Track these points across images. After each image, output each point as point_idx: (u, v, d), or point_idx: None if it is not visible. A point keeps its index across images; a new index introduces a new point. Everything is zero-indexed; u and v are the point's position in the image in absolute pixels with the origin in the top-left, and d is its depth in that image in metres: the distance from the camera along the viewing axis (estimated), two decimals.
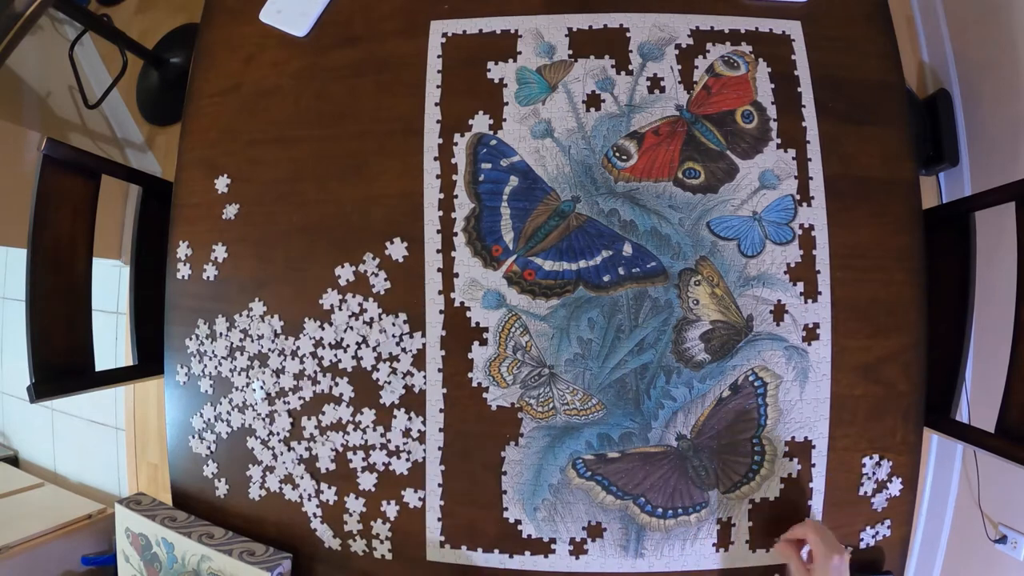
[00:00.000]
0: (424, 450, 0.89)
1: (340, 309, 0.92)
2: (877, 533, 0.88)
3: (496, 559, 0.88)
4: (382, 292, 0.91)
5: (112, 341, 2.11)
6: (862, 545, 0.88)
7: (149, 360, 1.13)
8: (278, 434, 0.93)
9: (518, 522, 0.88)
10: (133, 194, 1.18)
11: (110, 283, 2.12)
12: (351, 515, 0.91)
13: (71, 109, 2.05)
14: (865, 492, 0.88)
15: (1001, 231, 1.05)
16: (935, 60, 1.67)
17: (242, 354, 0.95)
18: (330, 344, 0.92)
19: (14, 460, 2.33)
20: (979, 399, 1.39)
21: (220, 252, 0.97)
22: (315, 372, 0.92)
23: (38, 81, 1.96)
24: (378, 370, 0.90)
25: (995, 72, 1.46)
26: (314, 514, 0.93)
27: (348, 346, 0.91)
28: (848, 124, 0.91)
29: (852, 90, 0.92)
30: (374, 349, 0.90)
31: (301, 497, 0.93)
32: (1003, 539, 1.36)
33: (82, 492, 2.14)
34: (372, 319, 0.91)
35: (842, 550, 0.76)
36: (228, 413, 0.96)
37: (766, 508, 0.87)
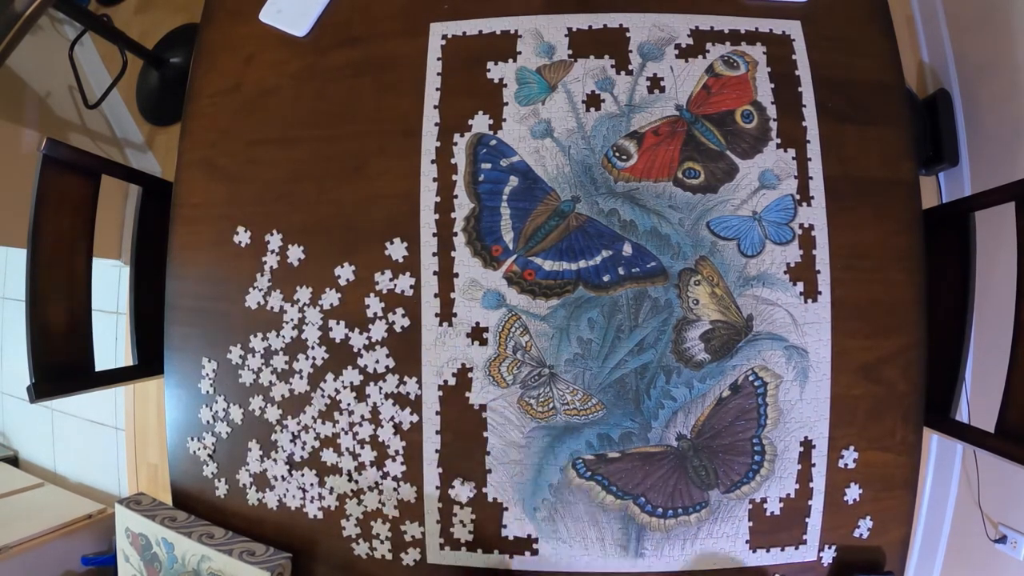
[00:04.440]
0: (422, 451, 0.89)
1: (340, 309, 0.92)
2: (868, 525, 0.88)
3: (496, 559, 0.88)
4: (384, 292, 0.91)
5: (112, 341, 2.11)
6: (855, 533, 0.88)
7: (149, 360, 1.13)
8: (278, 434, 0.93)
9: (518, 522, 0.88)
10: (133, 194, 1.18)
11: (110, 283, 2.12)
12: (351, 515, 0.91)
13: (71, 109, 2.05)
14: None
15: (1001, 231, 1.05)
16: (935, 60, 1.67)
17: (244, 355, 0.95)
18: (330, 344, 0.92)
19: (14, 460, 2.33)
20: (979, 399, 1.39)
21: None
22: (315, 372, 0.92)
23: (38, 81, 1.96)
24: (377, 371, 0.90)
25: (995, 72, 1.47)
26: (314, 515, 0.93)
27: (349, 346, 0.91)
28: (848, 124, 0.91)
29: (852, 90, 0.92)
30: (374, 350, 0.90)
31: (302, 497, 0.93)
32: (1003, 539, 1.36)
33: (82, 492, 2.14)
34: (372, 318, 0.91)
35: None
36: (228, 413, 0.95)
37: (766, 508, 0.87)
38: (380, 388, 0.90)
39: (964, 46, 1.58)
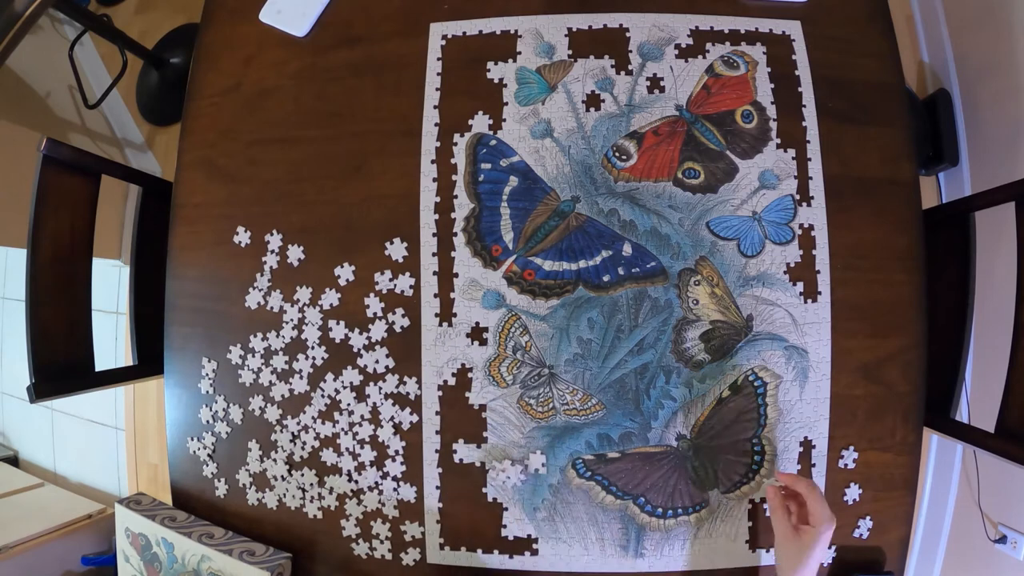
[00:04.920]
0: (422, 451, 0.89)
1: (340, 309, 0.92)
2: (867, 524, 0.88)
3: (496, 559, 0.88)
4: (383, 292, 0.91)
5: (112, 341, 2.11)
6: (855, 533, 0.88)
7: (149, 360, 1.12)
8: (278, 434, 0.93)
9: (518, 522, 0.88)
10: (133, 194, 1.18)
11: (110, 283, 2.11)
12: (351, 515, 0.91)
13: (71, 109, 2.04)
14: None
15: (1001, 231, 1.05)
16: (935, 60, 1.67)
17: (244, 355, 0.95)
18: (330, 344, 0.92)
19: (14, 460, 2.32)
20: (979, 399, 1.39)
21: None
22: (315, 372, 0.92)
23: (38, 81, 1.96)
24: (377, 371, 0.90)
25: (995, 72, 1.46)
26: (314, 515, 0.93)
27: (349, 346, 0.91)
28: (848, 124, 0.91)
29: (852, 90, 0.92)
30: (374, 350, 0.91)
31: (301, 497, 0.93)
32: (1003, 539, 1.35)
33: (82, 492, 2.13)
34: (372, 318, 0.91)
35: (833, 521, 0.75)
36: (228, 413, 0.95)
37: (766, 508, 0.86)
38: (380, 388, 0.90)
39: (964, 46, 1.57)
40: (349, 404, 0.91)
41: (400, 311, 0.90)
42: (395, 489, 0.90)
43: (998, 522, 1.39)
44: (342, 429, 0.91)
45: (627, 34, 0.92)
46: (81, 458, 2.23)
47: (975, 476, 1.45)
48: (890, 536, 0.89)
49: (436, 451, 0.89)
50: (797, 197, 0.89)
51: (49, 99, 1.99)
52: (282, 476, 0.93)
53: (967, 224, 0.98)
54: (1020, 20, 1.36)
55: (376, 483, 0.90)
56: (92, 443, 2.19)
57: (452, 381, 0.89)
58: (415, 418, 0.89)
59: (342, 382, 0.91)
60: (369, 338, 0.91)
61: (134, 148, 2.13)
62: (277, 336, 0.94)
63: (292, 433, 0.93)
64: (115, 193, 1.95)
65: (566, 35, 0.93)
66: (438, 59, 0.94)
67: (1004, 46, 1.41)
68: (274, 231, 0.95)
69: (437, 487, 0.89)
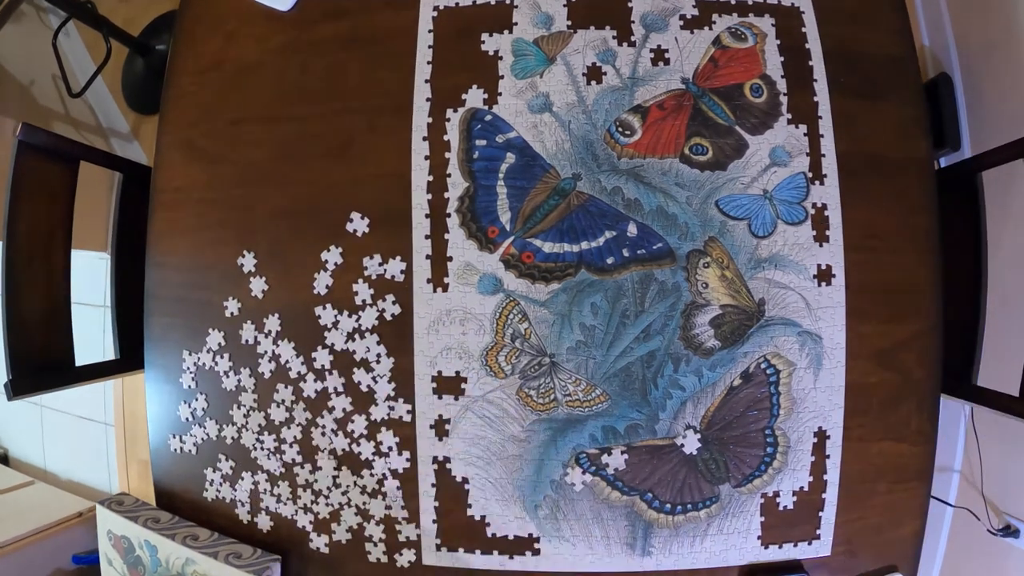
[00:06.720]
0: (416, 447, 0.86)
1: (328, 295, 0.88)
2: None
3: (496, 560, 0.85)
4: (372, 277, 0.87)
5: (100, 335, 2.08)
6: (869, 527, 0.86)
7: (134, 354, 1.09)
8: (266, 431, 0.90)
9: (519, 520, 0.85)
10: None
11: (97, 276, 2.08)
12: (343, 517, 0.88)
13: (55, 98, 2.03)
14: None
15: (1008, 195, 1.03)
16: (936, 44, 1.66)
17: (228, 346, 0.91)
18: (318, 333, 0.88)
19: (3, 458, 2.32)
20: (990, 368, 1.38)
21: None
22: (303, 363, 0.89)
23: (21, 70, 1.95)
24: (368, 360, 0.87)
25: (997, 56, 1.45)
26: (304, 515, 0.90)
27: (341, 334, 0.88)
28: (860, 99, 0.88)
29: (864, 65, 0.89)
30: (364, 338, 0.87)
31: (292, 497, 0.90)
32: (1006, 528, 1.35)
33: (73, 490, 2.13)
34: (362, 304, 0.87)
35: None
36: (212, 409, 0.92)
37: (779, 502, 0.84)
38: (372, 381, 0.87)
39: (965, 28, 1.56)
40: (339, 397, 0.87)
41: (391, 297, 0.87)
42: (395, 488, 0.87)
43: (1002, 511, 1.38)
44: (332, 421, 0.88)
45: (629, 4, 0.88)
46: (71, 455, 2.22)
47: (978, 465, 1.44)
48: (904, 530, 0.87)
49: (431, 447, 0.85)
50: (809, 175, 0.85)
51: (32, 88, 1.97)
52: (270, 474, 0.90)
53: (975, 185, 0.96)
54: (1022, 3, 1.33)
55: (368, 482, 0.87)
56: (82, 439, 2.18)
57: (447, 372, 0.85)
58: (408, 412, 0.86)
59: (330, 372, 0.87)
60: (359, 326, 0.87)
61: (120, 137, 2.11)
62: (262, 325, 0.90)
63: (279, 429, 0.89)
64: (102, 184, 1.93)
65: (564, 5, 0.89)
66: (429, 31, 0.90)
67: (1006, 29, 1.39)
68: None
69: (433, 484, 0.86)
